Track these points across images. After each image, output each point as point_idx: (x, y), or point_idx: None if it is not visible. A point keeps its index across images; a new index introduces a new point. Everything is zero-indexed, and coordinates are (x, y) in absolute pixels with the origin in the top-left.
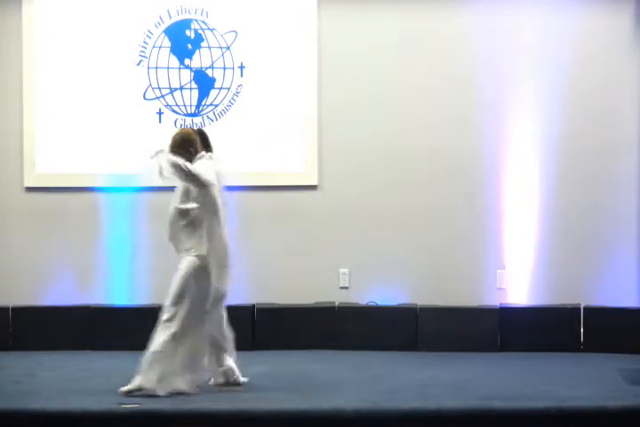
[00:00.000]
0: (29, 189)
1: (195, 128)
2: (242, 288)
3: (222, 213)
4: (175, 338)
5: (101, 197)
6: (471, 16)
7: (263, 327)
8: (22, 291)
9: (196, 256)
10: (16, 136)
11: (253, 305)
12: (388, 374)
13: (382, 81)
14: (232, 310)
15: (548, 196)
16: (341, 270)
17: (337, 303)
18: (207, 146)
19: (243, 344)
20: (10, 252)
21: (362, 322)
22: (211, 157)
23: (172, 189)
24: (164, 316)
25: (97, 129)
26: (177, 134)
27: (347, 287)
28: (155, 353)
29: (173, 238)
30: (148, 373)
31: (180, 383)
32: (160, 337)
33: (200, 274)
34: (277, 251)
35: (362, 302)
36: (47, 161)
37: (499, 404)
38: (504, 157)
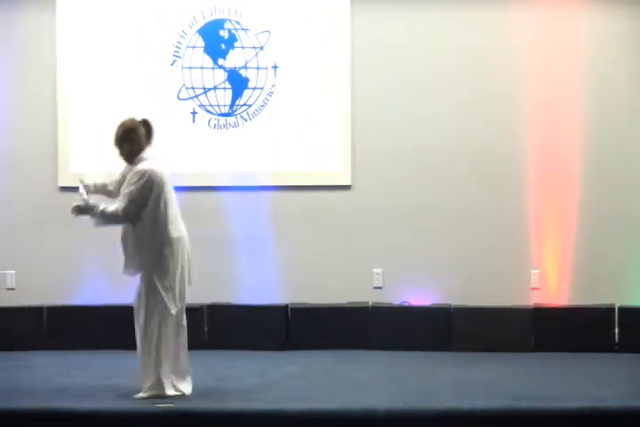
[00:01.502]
0: (63, 189)
1: (139, 119)
2: (275, 288)
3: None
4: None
5: None
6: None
7: (296, 327)
8: (56, 290)
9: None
10: (50, 135)
11: (287, 305)
12: (420, 374)
13: (417, 80)
14: (265, 310)
15: (583, 196)
16: (375, 270)
17: (370, 303)
18: (150, 138)
19: (276, 344)
20: (44, 251)
21: (395, 322)
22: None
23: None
24: None
25: None
26: (119, 127)
27: (380, 287)
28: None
29: None
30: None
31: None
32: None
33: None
34: (311, 251)
35: (395, 302)
36: (81, 161)
37: (532, 404)
38: (541, 158)
